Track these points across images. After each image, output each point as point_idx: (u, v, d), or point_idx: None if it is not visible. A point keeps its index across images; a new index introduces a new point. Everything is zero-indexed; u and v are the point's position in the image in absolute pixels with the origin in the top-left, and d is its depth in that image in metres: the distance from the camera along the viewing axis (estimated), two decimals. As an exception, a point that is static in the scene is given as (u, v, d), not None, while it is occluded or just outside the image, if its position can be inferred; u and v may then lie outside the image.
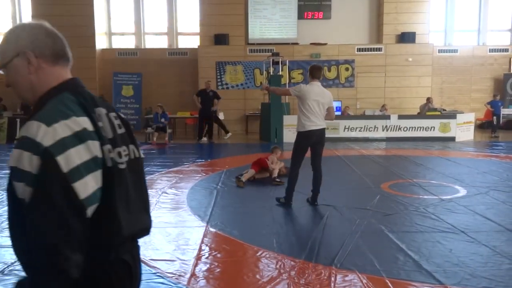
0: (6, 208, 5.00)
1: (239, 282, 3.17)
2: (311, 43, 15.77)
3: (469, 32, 17.08)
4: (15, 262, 3.49)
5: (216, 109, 12.65)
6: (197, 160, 9.00)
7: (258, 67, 15.24)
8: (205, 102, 12.35)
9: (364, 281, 3.12)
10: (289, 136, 12.35)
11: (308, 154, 5.31)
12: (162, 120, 12.24)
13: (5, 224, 4.53)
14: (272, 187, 6.36)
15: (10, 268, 3.37)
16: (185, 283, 3.12)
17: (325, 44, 15.70)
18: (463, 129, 12.73)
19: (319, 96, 5.15)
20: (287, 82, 14.26)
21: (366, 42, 16.27)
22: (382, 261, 3.47)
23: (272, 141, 12.30)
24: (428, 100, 13.92)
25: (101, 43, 16.18)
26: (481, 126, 15.82)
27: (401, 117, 12.69)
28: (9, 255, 3.64)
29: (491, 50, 16.49)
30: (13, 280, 3.16)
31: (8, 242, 3.96)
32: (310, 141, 5.20)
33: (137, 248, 1.39)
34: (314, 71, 5.30)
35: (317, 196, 5.32)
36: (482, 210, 5.00)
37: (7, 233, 4.22)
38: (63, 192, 1.08)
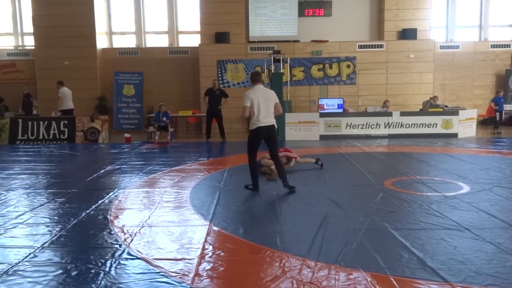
0: (9, 208, 5.03)
1: (243, 280, 3.16)
2: (312, 41, 15.74)
3: (471, 28, 17.03)
4: (19, 262, 3.49)
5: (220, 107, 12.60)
6: (200, 159, 8.99)
7: (259, 65, 15.21)
8: (213, 101, 12.37)
9: (369, 279, 3.11)
10: (291, 134, 12.35)
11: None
12: (164, 119, 12.24)
13: (9, 224, 4.53)
14: (274, 185, 6.35)
15: (15, 269, 3.37)
16: (189, 282, 3.12)
17: (326, 41, 15.67)
18: (465, 126, 12.70)
19: (263, 97, 5.85)
20: (289, 79, 14.24)
21: (368, 39, 16.24)
22: (386, 259, 3.46)
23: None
24: (432, 98, 13.88)
25: (101, 42, 16.18)
26: (484, 122, 15.79)
27: (403, 114, 12.66)
28: (13, 256, 3.65)
29: (493, 46, 16.44)
30: (18, 280, 3.16)
31: (12, 242, 3.98)
32: (261, 136, 5.91)
33: None
34: (253, 76, 6.07)
35: (286, 180, 5.92)
36: (486, 207, 4.98)
37: (11, 233, 4.24)
38: None
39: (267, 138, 5.93)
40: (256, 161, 6.14)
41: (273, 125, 5.93)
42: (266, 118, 5.82)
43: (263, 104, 5.82)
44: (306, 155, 8.84)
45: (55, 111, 13.00)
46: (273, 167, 6.93)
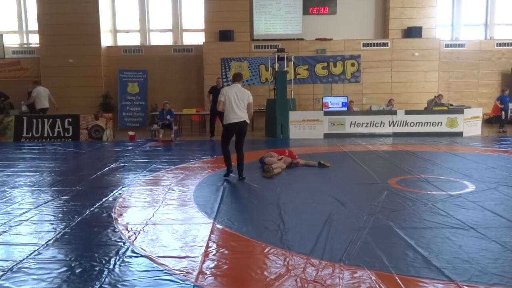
0: (14, 205, 5.04)
1: (247, 278, 3.15)
2: (317, 39, 15.70)
3: (477, 26, 16.92)
4: (23, 259, 3.50)
5: None
6: (203, 157, 8.99)
7: (263, 63, 15.18)
8: (217, 99, 12.31)
9: (373, 277, 3.09)
10: (295, 132, 12.33)
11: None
12: (168, 117, 12.25)
13: (14, 222, 4.55)
14: (278, 183, 6.34)
15: (19, 266, 3.38)
16: (193, 280, 3.11)
17: (331, 39, 15.62)
18: (470, 124, 12.63)
19: (236, 94, 6.42)
20: (293, 77, 14.21)
21: (372, 37, 16.18)
22: (391, 258, 3.44)
23: (278, 137, 12.28)
24: (437, 97, 13.82)
25: (106, 40, 16.21)
26: (489, 121, 15.70)
27: (408, 112, 12.61)
28: (18, 253, 3.66)
29: (498, 44, 16.34)
30: (22, 278, 3.17)
31: (17, 239, 3.99)
32: (233, 130, 6.56)
33: None
34: (234, 77, 6.75)
35: (242, 171, 6.57)
36: (492, 206, 4.95)
37: (15, 230, 4.25)
38: None
39: (238, 132, 6.57)
40: (227, 151, 6.76)
41: (245, 121, 6.52)
42: (237, 114, 6.42)
43: (235, 101, 6.41)
44: (308, 155, 8.82)
45: (23, 101, 13.46)
46: (274, 165, 6.99)
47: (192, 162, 8.36)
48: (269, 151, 7.91)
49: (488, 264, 3.32)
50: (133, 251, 3.67)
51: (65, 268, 3.34)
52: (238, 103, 6.42)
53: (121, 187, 6.24)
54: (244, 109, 6.47)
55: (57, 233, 4.19)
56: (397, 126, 12.40)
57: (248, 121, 6.59)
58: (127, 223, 4.48)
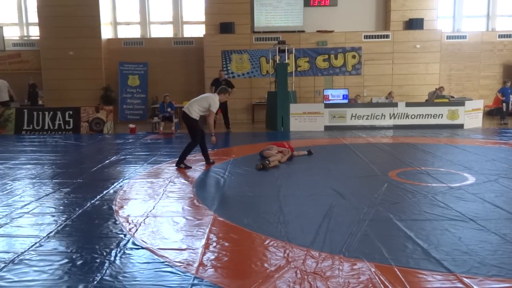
0: (15, 198, 5.06)
1: (247, 270, 3.17)
2: (318, 31, 15.63)
3: (478, 18, 16.82)
4: (25, 251, 3.53)
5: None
6: (204, 150, 8.98)
7: (264, 56, 15.14)
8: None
9: (373, 269, 3.11)
10: (296, 124, 12.33)
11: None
12: (169, 109, 12.25)
13: (15, 214, 4.57)
14: (279, 176, 6.35)
15: (20, 258, 3.40)
16: (193, 272, 3.13)
17: (332, 31, 15.54)
18: (471, 116, 12.61)
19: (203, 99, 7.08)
20: (294, 70, 14.17)
21: (373, 29, 16.09)
22: (390, 250, 3.46)
23: (279, 130, 12.28)
24: (438, 89, 13.77)
25: (106, 33, 16.15)
26: (490, 113, 15.66)
27: (408, 104, 12.58)
28: (19, 245, 3.68)
29: (500, 36, 16.25)
30: (24, 269, 3.19)
31: (18, 231, 4.01)
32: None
33: None
34: (219, 90, 7.24)
35: (208, 158, 7.34)
36: (491, 198, 4.96)
37: (17, 222, 4.28)
38: None
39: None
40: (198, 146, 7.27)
41: (186, 114, 7.01)
42: (189, 108, 7.01)
43: (196, 100, 7.12)
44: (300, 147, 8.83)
45: None
46: (271, 158, 7.02)
47: (192, 154, 8.34)
48: (269, 144, 7.91)
49: (487, 255, 3.33)
50: (134, 243, 3.69)
51: (66, 260, 3.36)
52: (200, 102, 7.02)
53: (122, 179, 6.26)
54: (197, 110, 6.99)
55: (58, 225, 4.21)
56: (398, 118, 12.38)
57: (192, 116, 6.97)
58: (128, 215, 4.50)
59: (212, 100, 6.95)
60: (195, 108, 6.95)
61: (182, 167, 7.01)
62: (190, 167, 7.03)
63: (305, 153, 8.05)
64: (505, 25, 16.70)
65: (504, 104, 13.49)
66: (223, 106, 12.52)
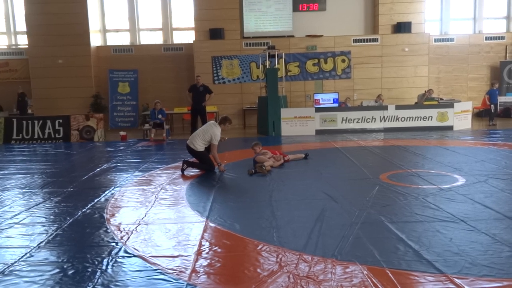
0: (5, 208, 4.99)
1: (240, 276, 3.17)
2: (307, 35, 15.72)
3: (465, 21, 17.04)
4: (15, 262, 3.49)
5: (205, 104, 12.52)
6: (196, 156, 8.96)
7: (254, 61, 15.19)
8: (196, 98, 12.33)
9: (365, 272, 3.12)
10: (287, 129, 12.36)
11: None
12: (160, 116, 12.21)
13: (5, 225, 4.52)
14: (270, 180, 6.35)
15: (11, 269, 3.36)
16: (186, 279, 3.12)
17: (321, 36, 15.65)
18: (460, 118, 12.73)
19: (207, 131, 7.28)
20: (284, 75, 14.22)
21: (362, 33, 16.23)
22: (382, 252, 3.48)
23: (270, 135, 12.30)
24: (427, 91, 13.90)
25: (95, 40, 16.09)
26: (479, 115, 15.84)
27: (398, 107, 12.68)
28: (9, 256, 3.64)
29: (487, 38, 16.47)
30: (14, 280, 3.16)
31: (8, 242, 3.97)
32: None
33: None
34: (220, 120, 7.42)
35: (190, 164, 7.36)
36: (481, 198, 5.00)
37: (7, 233, 4.23)
38: None
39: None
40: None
41: (189, 146, 7.31)
42: (193, 142, 7.26)
43: (199, 133, 7.37)
44: (294, 151, 8.85)
45: None
46: (266, 163, 7.02)
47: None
48: (261, 148, 7.92)
49: (478, 256, 3.36)
50: (125, 251, 3.67)
51: (57, 270, 3.33)
52: (202, 136, 7.24)
53: (113, 187, 6.22)
54: (201, 143, 7.23)
55: (49, 235, 4.17)
56: (388, 121, 12.47)
57: (195, 148, 7.22)
58: (120, 224, 4.48)
59: (213, 133, 7.14)
60: (199, 142, 7.20)
61: (184, 167, 7.23)
62: (183, 173, 7.03)
63: (302, 156, 8.09)
64: (492, 27, 16.93)
65: (492, 105, 13.65)
66: (202, 112, 12.41)
